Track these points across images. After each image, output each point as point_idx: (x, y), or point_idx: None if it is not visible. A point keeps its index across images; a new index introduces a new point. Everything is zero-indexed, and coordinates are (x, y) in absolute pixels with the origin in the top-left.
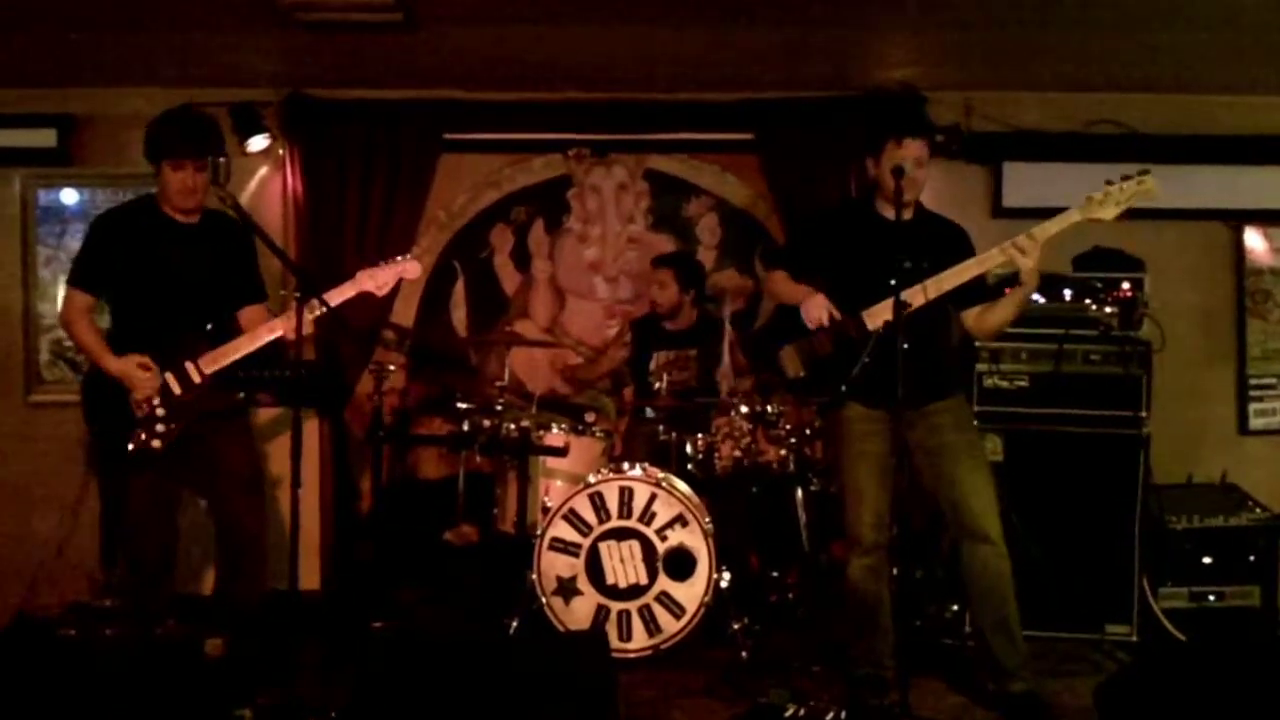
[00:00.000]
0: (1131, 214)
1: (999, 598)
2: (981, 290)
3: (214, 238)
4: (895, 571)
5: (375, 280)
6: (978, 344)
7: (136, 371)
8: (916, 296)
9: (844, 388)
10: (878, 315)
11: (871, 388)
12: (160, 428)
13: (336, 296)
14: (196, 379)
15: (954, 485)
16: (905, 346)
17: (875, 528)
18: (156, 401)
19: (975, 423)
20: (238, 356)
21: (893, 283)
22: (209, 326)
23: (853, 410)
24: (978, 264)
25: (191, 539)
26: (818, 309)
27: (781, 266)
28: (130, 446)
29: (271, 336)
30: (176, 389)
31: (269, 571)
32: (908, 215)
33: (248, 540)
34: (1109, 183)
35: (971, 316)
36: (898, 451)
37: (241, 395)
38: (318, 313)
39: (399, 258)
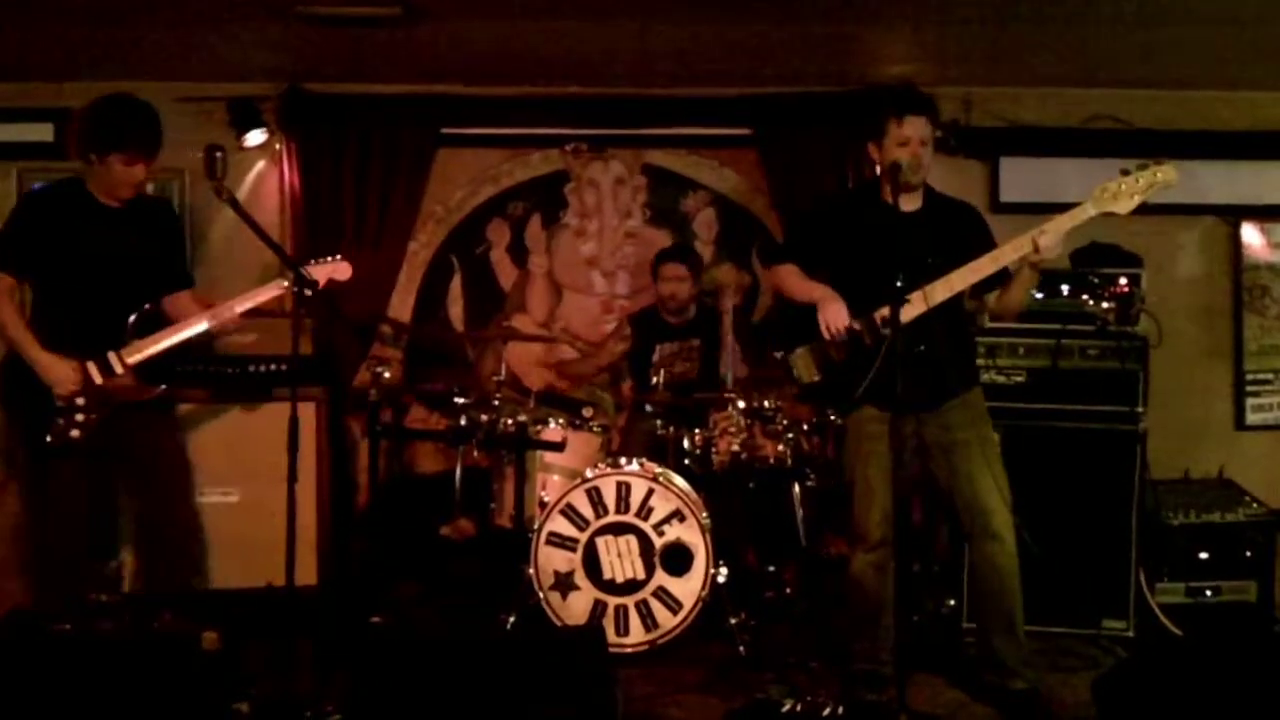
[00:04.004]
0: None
1: (1005, 596)
2: (1001, 274)
3: (140, 221)
4: (893, 567)
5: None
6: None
7: (60, 367)
8: (921, 301)
9: (860, 392)
10: (917, 305)
11: (885, 390)
12: (80, 417)
13: (262, 294)
14: (119, 369)
15: (968, 482)
16: (921, 349)
17: (882, 525)
18: (77, 390)
19: (987, 415)
20: (162, 348)
21: (899, 284)
22: (146, 306)
23: (865, 410)
24: (991, 261)
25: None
26: (838, 318)
27: (789, 260)
28: (49, 436)
29: (198, 329)
30: (98, 378)
31: (192, 565)
32: (916, 204)
33: (175, 533)
34: (1124, 172)
35: (993, 299)
36: (900, 450)
37: (164, 388)
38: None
39: (329, 258)
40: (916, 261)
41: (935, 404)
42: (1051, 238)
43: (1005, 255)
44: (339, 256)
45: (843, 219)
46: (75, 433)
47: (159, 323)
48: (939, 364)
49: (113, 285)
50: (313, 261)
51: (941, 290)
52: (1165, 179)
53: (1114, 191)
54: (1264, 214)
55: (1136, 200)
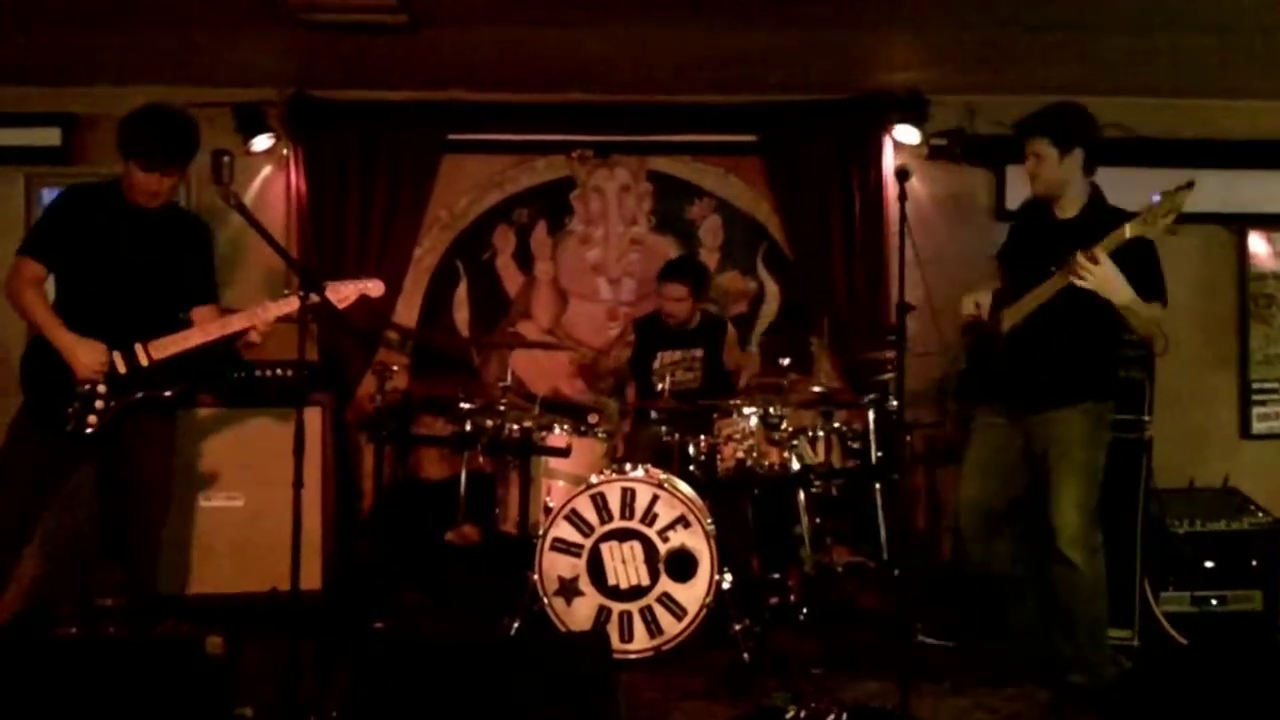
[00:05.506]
0: None
1: (1066, 608)
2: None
3: (171, 230)
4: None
5: (338, 294)
6: None
7: (87, 350)
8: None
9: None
10: (1010, 316)
11: (993, 386)
12: (99, 404)
13: (284, 306)
14: (144, 361)
15: (1046, 498)
16: (1028, 348)
17: (966, 516)
18: (101, 374)
19: (1101, 434)
20: (188, 346)
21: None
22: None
23: (980, 407)
24: (1061, 278)
25: (175, 540)
26: (963, 309)
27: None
28: (68, 424)
29: (225, 332)
30: (121, 368)
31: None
32: (1072, 212)
33: (148, 548)
34: (1166, 193)
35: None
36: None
37: (173, 393)
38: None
39: (365, 281)
40: (1046, 267)
41: (1038, 408)
42: (1097, 260)
43: (1053, 284)
44: (374, 279)
45: (1019, 227)
46: (92, 418)
47: (183, 327)
48: (1043, 367)
49: (129, 287)
50: (344, 280)
51: (1007, 319)
52: (1178, 204)
53: (1145, 217)
54: (1270, 223)
55: (1169, 221)
